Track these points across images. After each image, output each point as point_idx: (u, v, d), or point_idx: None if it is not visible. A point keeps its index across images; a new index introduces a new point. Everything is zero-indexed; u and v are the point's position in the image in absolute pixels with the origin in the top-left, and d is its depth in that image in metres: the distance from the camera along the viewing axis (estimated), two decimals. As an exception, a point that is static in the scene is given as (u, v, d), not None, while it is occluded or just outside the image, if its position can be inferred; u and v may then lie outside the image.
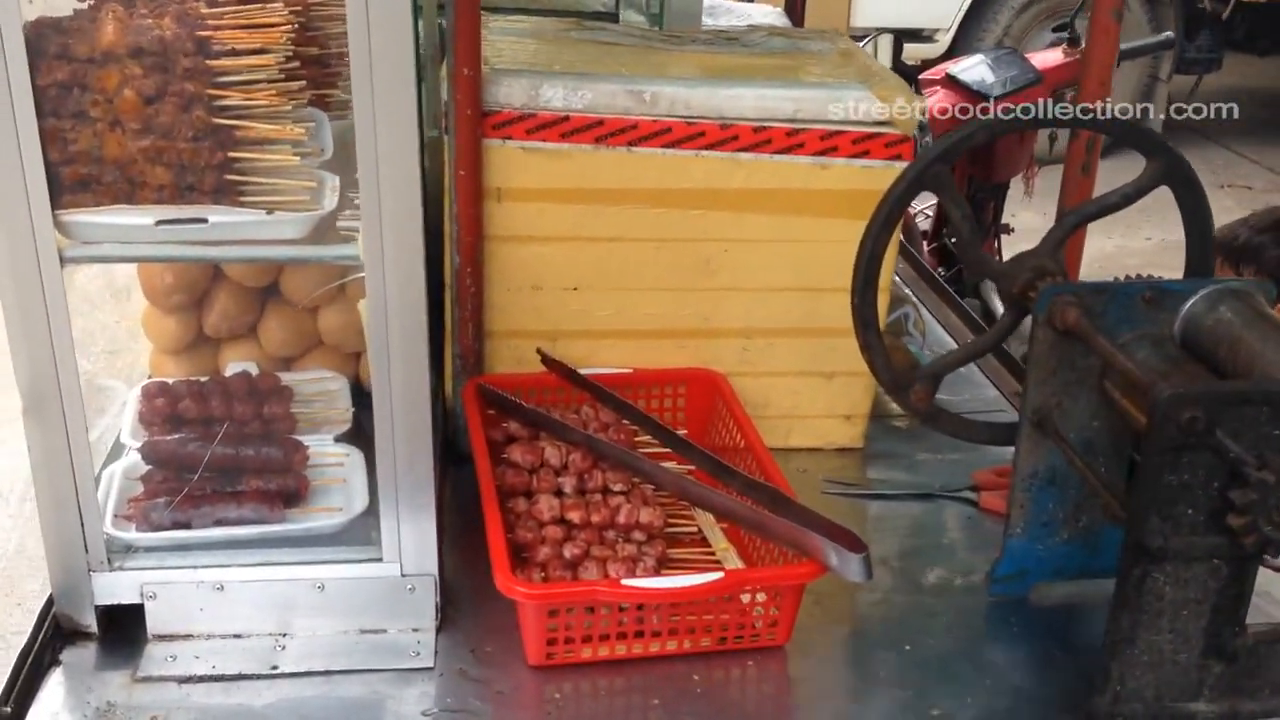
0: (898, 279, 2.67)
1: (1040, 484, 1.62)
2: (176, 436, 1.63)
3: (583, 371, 1.92)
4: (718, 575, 1.52)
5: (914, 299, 2.55)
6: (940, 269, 3.93)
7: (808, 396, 2.04)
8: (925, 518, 1.91)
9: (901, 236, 2.78)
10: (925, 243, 4.20)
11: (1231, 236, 2.69)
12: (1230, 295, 1.50)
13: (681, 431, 1.90)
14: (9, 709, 1.37)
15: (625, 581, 1.50)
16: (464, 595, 1.66)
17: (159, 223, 1.39)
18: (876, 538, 1.86)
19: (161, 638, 1.52)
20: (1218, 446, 1.28)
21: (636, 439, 1.87)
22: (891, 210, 1.64)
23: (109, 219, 1.38)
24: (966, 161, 3.93)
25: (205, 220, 1.39)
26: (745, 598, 1.57)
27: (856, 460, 2.08)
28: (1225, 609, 1.37)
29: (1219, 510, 1.31)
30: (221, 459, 1.61)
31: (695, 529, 1.77)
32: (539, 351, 1.93)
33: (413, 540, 1.54)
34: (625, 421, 1.88)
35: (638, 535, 1.68)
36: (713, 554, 1.72)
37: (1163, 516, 1.32)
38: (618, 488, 1.73)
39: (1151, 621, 1.37)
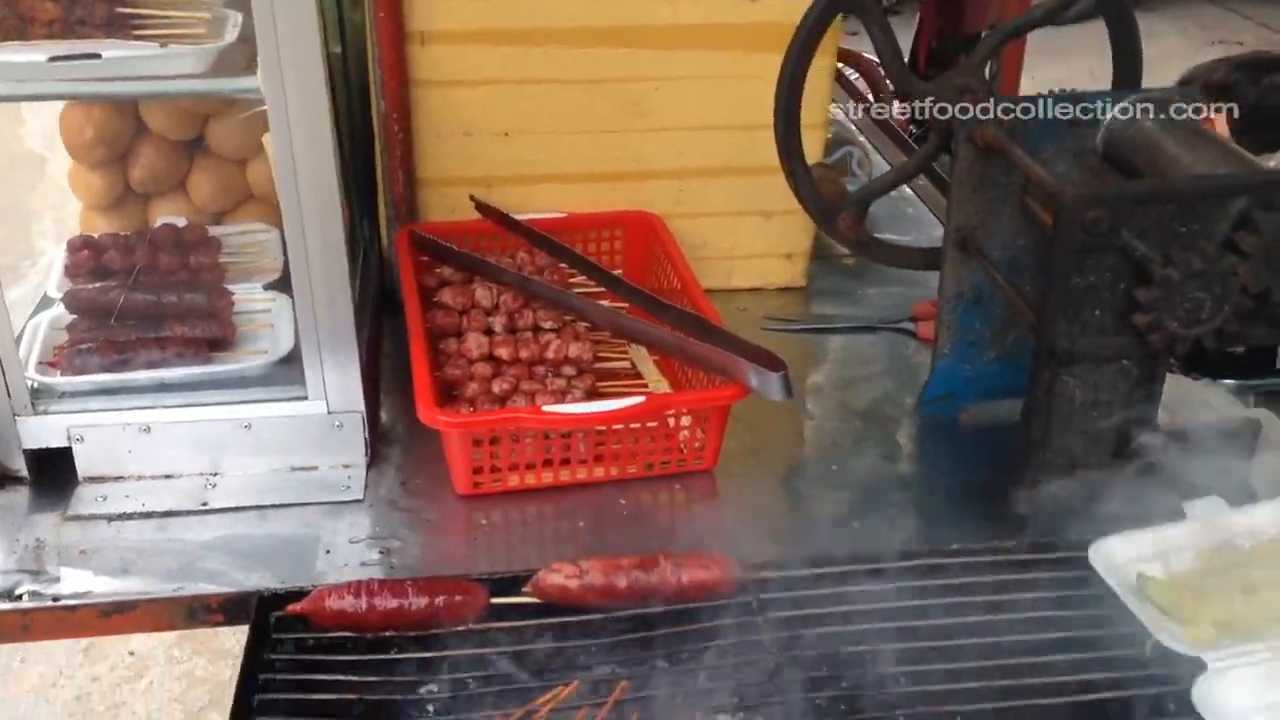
0: (855, 129, 2.65)
1: (966, 304, 1.62)
2: (98, 285, 1.63)
3: (517, 217, 1.91)
4: (640, 399, 1.52)
5: (868, 145, 2.52)
6: (912, 128, 3.88)
7: (746, 236, 2.03)
8: (862, 349, 1.92)
9: (872, 97, 2.76)
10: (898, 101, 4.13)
11: (1211, 70, 2.67)
12: (1152, 105, 1.49)
13: (618, 273, 1.90)
14: (-65, 547, 1.40)
15: (546, 408, 1.51)
16: (398, 435, 1.68)
17: (51, 59, 1.36)
18: (812, 369, 1.88)
19: (92, 480, 1.54)
20: (1124, 246, 1.28)
21: (571, 280, 1.87)
22: (809, 34, 1.61)
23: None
24: (935, 12, 3.85)
25: (98, 55, 1.36)
26: (671, 422, 1.58)
27: (799, 298, 2.08)
28: (1136, 411, 1.38)
29: (1126, 310, 1.31)
30: (144, 306, 1.61)
31: (628, 364, 1.77)
32: (472, 198, 1.92)
33: (337, 379, 1.55)
34: (561, 265, 1.87)
35: (567, 370, 1.68)
36: (644, 386, 1.73)
37: (1070, 319, 1.32)
38: (548, 325, 1.73)
39: (1063, 424, 1.39)
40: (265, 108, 1.39)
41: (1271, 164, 2.33)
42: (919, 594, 1.32)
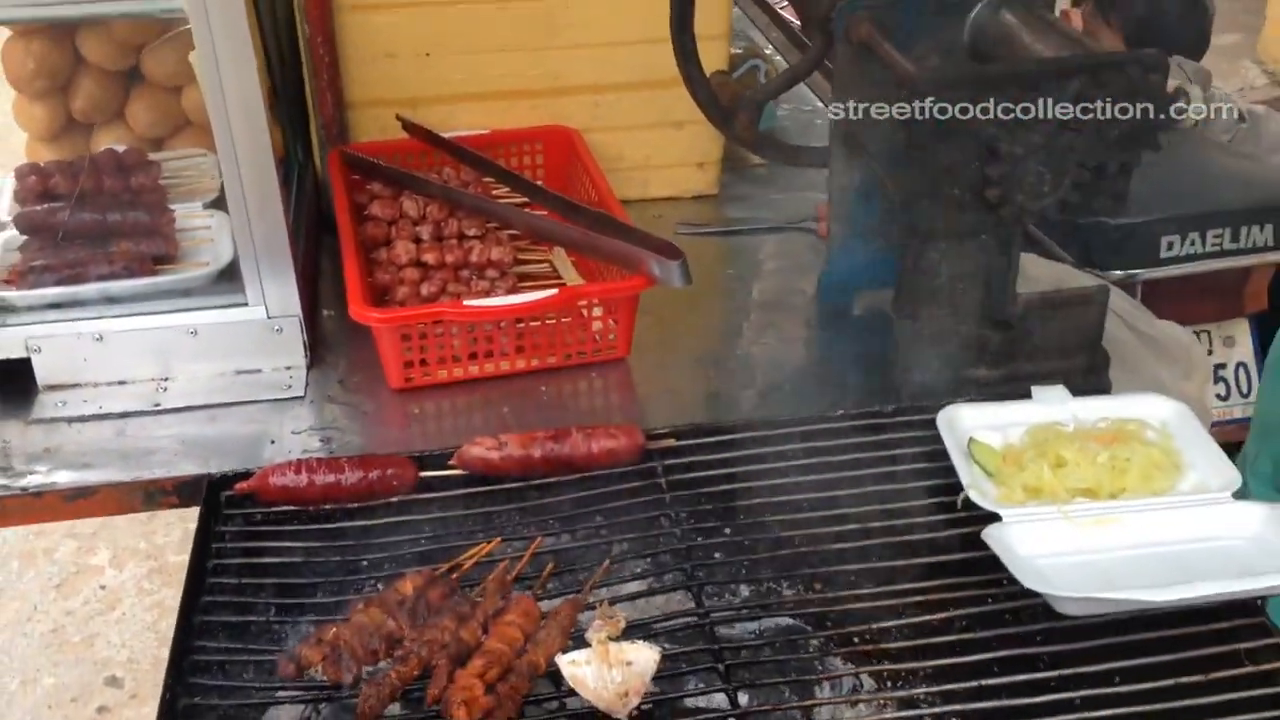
0: (775, 50, 2.76)
1: (854, 196, 1.76)
2: (46, 207, 1.74)
3: (442, 134, 2.03)
4: (553, 291, 1.66)
5: (783, 62, 2.64)
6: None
7: (660, 147, 2.16)
8: (769, 248, 2.06)
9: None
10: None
11: None
12: (1014, 1, 1.62)
13: (538, 183, 2.02)
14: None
15: (468, 302, 1.65)
16: (337, 340, 1.82)
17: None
18: (722, 267, 2.02)
19: (51, 388, 1.67)
20: (973, 126, 1.41)
21: (494, 192, 1.99)
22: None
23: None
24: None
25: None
26: (584, 314, 1.72)
27: (712, 205, 2.21)
28: (995, 282, 1.53)
29: (979, 187, 1.45)
30: (91, 225, 1.73)
31: (548, 266, 1.91)
32: (399, 118, 2.03)
33: (274, 286, 1.67)
34: (485, 178, 2.00)
35: (490, 273, 1.81)
36: (562, 284, 1.87)
37: (931, 198, 1.46)
38: (472, 232, 1.86)
39: (930, 297, 1.54)
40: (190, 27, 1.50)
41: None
42: (800, 454, 1.47)
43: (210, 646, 1.24)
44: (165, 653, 1.21)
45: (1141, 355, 1.87)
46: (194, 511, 1.43)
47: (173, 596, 3.32)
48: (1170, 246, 2.35)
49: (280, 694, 1.22)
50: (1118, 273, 2.32)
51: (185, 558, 1.36)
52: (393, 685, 1.18)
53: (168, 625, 3.27)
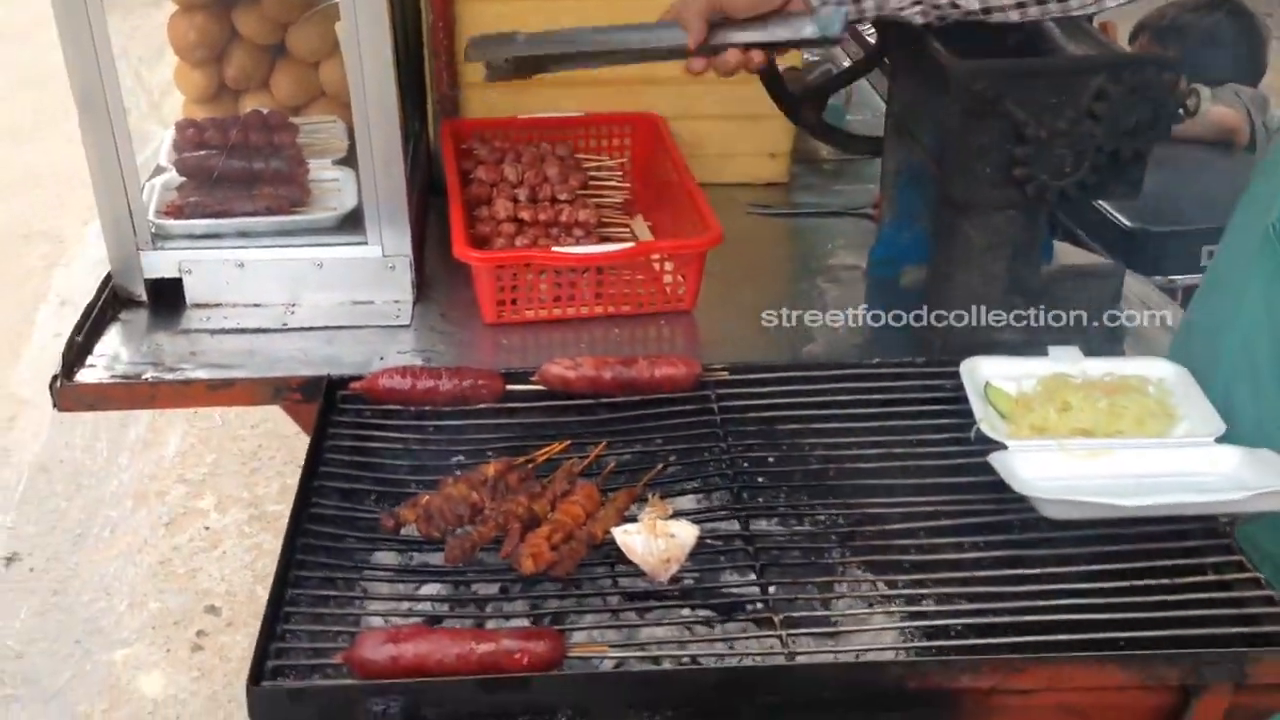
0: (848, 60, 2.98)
1: (904, 180, 1.97)
2: (202, 153, 2.02)
3: (544, 115, 2.28)
4: (629, 244, 1.90)
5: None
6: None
7: (736, 137, 2.39)
8: (829, 229, 2.28)
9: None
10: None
11: (1159, 16, 2.96)
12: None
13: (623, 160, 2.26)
14: (80, 338, 1.80)
15: (554, 249, 1.89)
16: (439, 283, 2.07)
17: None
18: (785, 244, 2.24)
19: (198, 305, 1.95)
20: (1005, 112, 1.62)
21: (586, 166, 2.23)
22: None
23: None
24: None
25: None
26: (656, 268, 1.95)
27: (782, 191, 2.43)
28: (1021, 252, 1.73)
29: (1009, 166, 1.65)
30: (238, 171, 2.01)
31: (628, 230, 2.14)
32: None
33: (390, 230, 1.93)
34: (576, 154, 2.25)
35: (577, 231, 2.05)
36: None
37: (965, 174, 1.67)
38: (563, 196, 2.10)
39: (962, 263, 1.74)
40: (339, 22, 1.77)
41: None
42: (840, 394, 1.68)
43: (325, 504, 1.49)
44: (261, 589, 1.42)
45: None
46: (294, 468, 1.66)
47: (270, 541, 3.61)
48: (1210, 255, 2.50)
49: (381, 544, 1.46)
50: (1158, 278, 2.48)
51: (284, 508, 1.56)
52: (473, 540, 1.41)
53: (264, 565, 3.60)
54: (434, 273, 2.09)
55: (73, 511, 3.74)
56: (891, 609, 1.48)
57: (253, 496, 3.81)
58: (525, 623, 1.39)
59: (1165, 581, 1.36)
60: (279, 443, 4.03)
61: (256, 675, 1.20)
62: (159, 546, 3.64)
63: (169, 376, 1.77)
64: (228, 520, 3.76)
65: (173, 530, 3.71)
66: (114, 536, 3.69)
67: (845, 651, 1.30)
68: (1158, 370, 1.64)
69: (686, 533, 1.41)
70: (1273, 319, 1.52)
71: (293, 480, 1.55)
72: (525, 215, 2.05)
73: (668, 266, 1.95)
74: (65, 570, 3.50)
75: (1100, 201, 2.56)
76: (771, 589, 1.40)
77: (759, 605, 1.38)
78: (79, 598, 3.40)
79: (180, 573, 3.54)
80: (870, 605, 1.49)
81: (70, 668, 3.16)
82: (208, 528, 3.73)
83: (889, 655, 1.33)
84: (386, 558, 1.47)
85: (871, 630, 1.38)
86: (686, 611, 1.44)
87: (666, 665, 1.32)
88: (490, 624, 1.41)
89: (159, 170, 2.12)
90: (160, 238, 1.94)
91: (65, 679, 3.13)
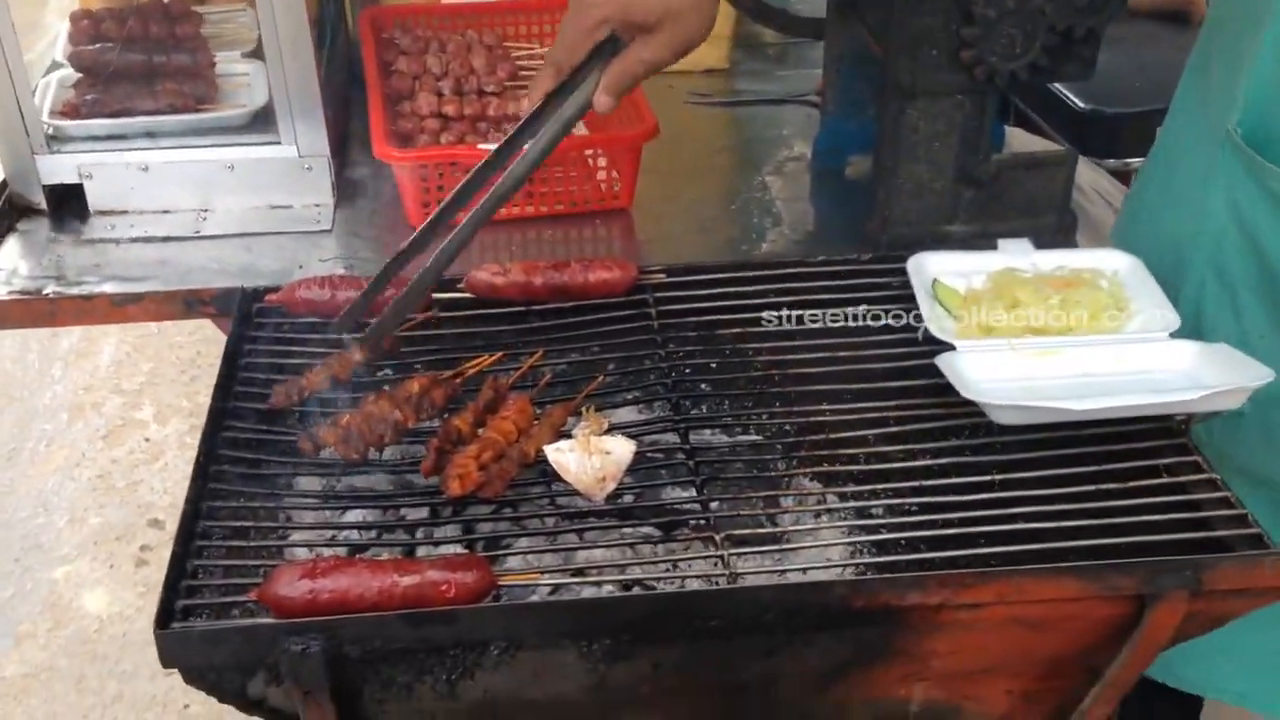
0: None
1: (848, 65, 1.87)
2: (98, 46, 1.88)
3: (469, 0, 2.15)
4: (561, 140, 1.79)
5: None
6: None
7: (675, 19, 2.25)
8: (771, 117, 2.18)
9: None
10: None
11: None
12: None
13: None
14: (-28, 251, 1.69)
15: (480, 145, 1.78)
16: (363, 186, 1.95)
17: None
18: (726, 135, 2.14)
19: (101, 213, 1.82)
20: (953, -9, 1.52)
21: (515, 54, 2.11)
22: None
23: None
24: None
25: None
26: (590, 163, 1.84)
27: (723, 78, 2.32)
28: (970, 140, 1.64)
29: (957, 48, 1.55)
30: (138, 65, 1.87)
31: (561, 124, 2.03)
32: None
33: (305, 128, 1.81)
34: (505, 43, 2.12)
35: (507, 126, 1.94)
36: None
37: (911, 57, 1.57)
38: (490, 88, 1.98)
39: (909, 153, 1.65)
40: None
41: None
42: (781, 294, 1.60)
43: (241, 425, 1.40)
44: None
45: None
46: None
47: (212, 451, 3.52)
48: (1164, 136, 2.43)
49: (303, 469, 1.38)
50: (1112, 161, 2.41)
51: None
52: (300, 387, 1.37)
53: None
54: (359, 174, 1.97)
55: (5, 426, 3.63)
56: (839, 522, 1.43)
57: (193, 406, 3.70)
58: (458, 549, 1.32)
59: (1120, 485, 1.31)
60: (218, 349, 3.86)
61: (165, 617, 1.13)
62: (97, 460, 3.55)
63: (71, 291, 1.66)
64: (168, 431, 3.67)
65: (111, 443, 3.61)
66: (50, 451, 3.59)
67: (791, 570, 1.25)
68: (1111, 262, 1.57)
69: (623, 449, 1.34)
70: (1244, 232, 1.43)
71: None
72: (450, 109, 1.93)
73: (601, 162, 1.85)
74: (1, 487, 3.40)
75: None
76: (714, 504, 1.34)
77: (701, 522, 1.32)
78: (16, 514, 3.32)
79: (120, 486, 3.45)
80: (817, 518, 1.44)
81: (10, 585, 3.09)
82: (148, 439, 3.63)
83: (835, 573, 1.28)
84: (309, 483, 1.39)
85: (819, 546, 1.33)
86: (627, 531, 1.38)
87: (605, 591, 1.26)
88: (421, 551, 1.35)
89: (55, 66, 1.97)
90: (57, 140, 1.81)
91: (6, 597, 3.05)
